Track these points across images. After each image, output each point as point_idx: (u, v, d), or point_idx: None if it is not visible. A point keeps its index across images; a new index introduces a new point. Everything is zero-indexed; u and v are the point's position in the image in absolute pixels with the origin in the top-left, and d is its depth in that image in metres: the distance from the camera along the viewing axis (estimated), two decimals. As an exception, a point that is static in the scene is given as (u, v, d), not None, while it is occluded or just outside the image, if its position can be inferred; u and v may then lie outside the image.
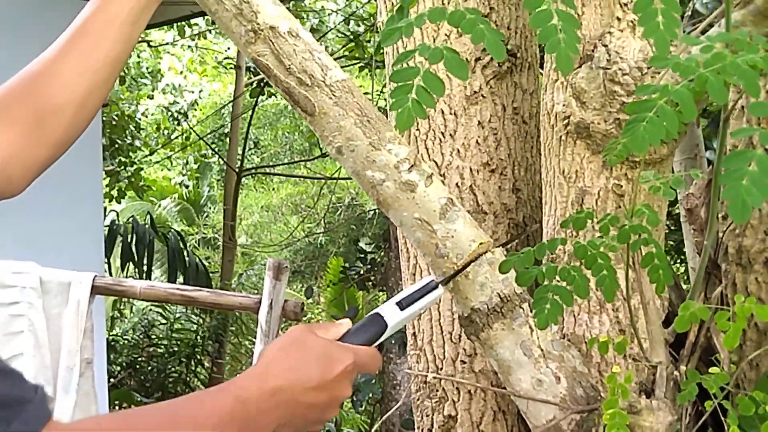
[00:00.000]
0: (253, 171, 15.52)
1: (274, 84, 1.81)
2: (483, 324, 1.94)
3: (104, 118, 12.84)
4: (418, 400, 2.43)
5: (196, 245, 16.21)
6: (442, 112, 2.39)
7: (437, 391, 2.37)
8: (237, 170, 13.45)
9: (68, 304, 3.46)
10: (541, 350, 1.96)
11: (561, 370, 1.96)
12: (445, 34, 2.40)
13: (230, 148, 13.88)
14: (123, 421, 1.33)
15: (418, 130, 2.42)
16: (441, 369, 2.37)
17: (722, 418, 1.87)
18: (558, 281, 1.74)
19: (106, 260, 12.22)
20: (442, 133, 2.39)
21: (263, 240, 15.87)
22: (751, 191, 1.27)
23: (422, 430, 2.41)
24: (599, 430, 1.88)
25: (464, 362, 2.35)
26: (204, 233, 16.48)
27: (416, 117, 1.43)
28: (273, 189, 16.60)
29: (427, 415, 2.39)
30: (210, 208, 16.67)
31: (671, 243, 5.95)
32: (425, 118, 1.66)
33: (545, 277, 1.74)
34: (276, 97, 14.32)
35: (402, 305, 1.56)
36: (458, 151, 2.39)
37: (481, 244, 1.83)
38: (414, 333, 2.44)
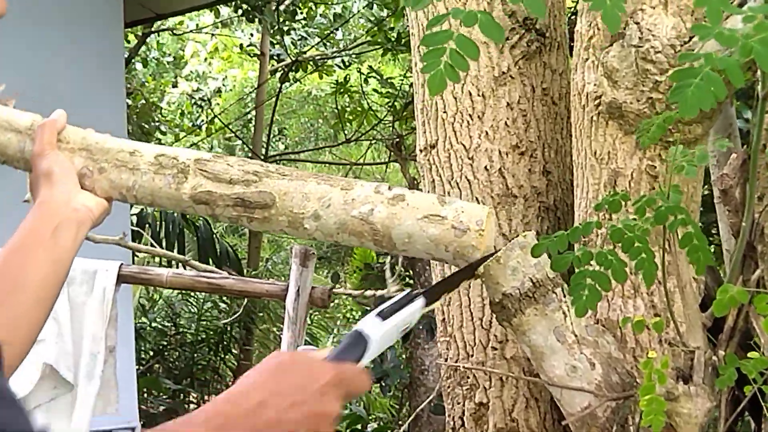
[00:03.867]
0: (278, 158, 15.51)
1: (220, 205, 1.79)
2: (515, 309, 1.91)
3: (130, 104, 12.89)
4: (448, 387, 2.40)
5: (223, 233, 16.27)
6: (470, 94, 2.36)
7: (468, 378, 2.35)
8: (262, 157, 13.45)
9: (93, 293, 3.47)
10: (575, 336, 1.93)
11: (596, 356, 1.93)
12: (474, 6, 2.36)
13: (255, 134, 13.90)
14: None
15: (445, 112, 2.40)
16: (471, 356, 2.34)
17: (762, 403, 1.84)
18: (594, 266, 1.70)
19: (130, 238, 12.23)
20: (470, 116, 2.36)
21: (288, 225, 15.88)
22: None
23: (453, 417, 2.39)
24: (635, 417, 1.85)
25: (495, 349, 2.32)
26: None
27: (449, 81, 1.40)
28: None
29: (458, 403, 2.37)
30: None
31: (701, 225, 5.90)
32: (458, 81, 1.61)
33: (581, 262, 1.70)
34: (300, 83, 14.29)
35: (383, 315, 1.50)
36: (486, 133, 2.36)
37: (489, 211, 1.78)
38: (444, 319, 2.41)
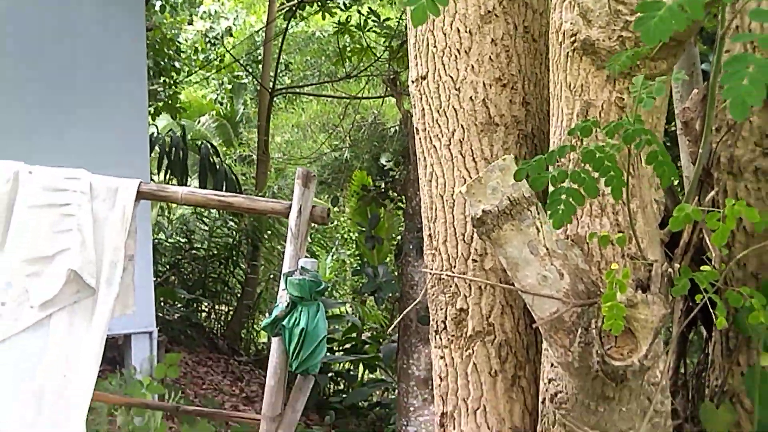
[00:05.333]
0: (284, 91, 15.47)
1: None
2: (494, 225, 1.94)
3: (148, 42, 12.81)
4: (433, 295, 2.43)
5: (234, 162, 16.29)
6: (458, 31, 2.36)
7: (450, 287, 2.37)
8: (270, 90, 13.42)
9: (115, 207, 3.49)
10: (547, 249, 1.95)
11: (564, 267, 1.95)
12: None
13: (263, 70, 13.85)
14: None
15: (435, 47, 2.40)
16: (454, 267, 2.37)
17: (711, 311, 1.87)
18: (568, 184, 1.72)
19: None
20: (458, 50, 2.36)
21: (294, 155, 15.91)
22: (750, 91, 1.28)
23: (437, 321, 2.42)
24: (598, 321, 1.87)
25: (475, 261, 2.35)
26: (241, 152, 16.54)
27: (431, 15, 1.40)
28: (302, 109, 16.58)
29: (441, 309, 2.40)
30: (244, 125, 16.66)
31: (668, 157, 5.93)
32: (438, 15, 1.61)
33: (557, 180, 1.72)
34: (305, 23, 14.23)
35: None
36: (472, 66, 2.36)
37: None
38: (430, 234, 2.43)
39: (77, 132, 8.40)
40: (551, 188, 1.69)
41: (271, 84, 13.50)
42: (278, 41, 13.70)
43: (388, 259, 12.45)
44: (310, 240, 14.30)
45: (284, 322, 3.45)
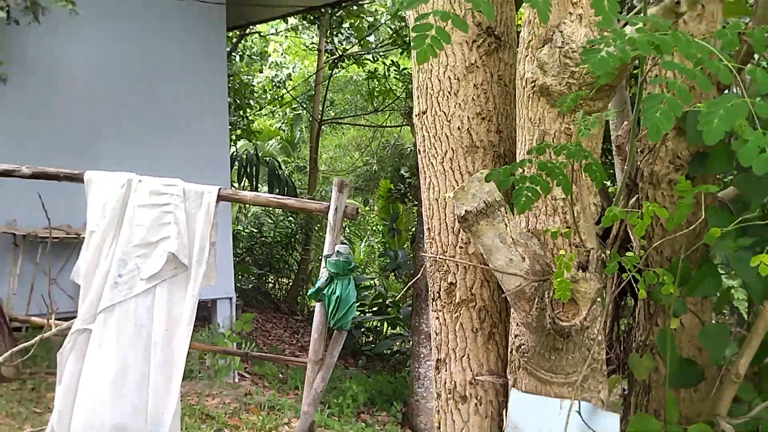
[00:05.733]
0: (329, 121, 15.49)
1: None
2: (473, 221, 1.93)
3: (229, 85, 12.84)
4: (431, 272, 2.42)
5: (292, 171, 16.33)
6: (449, 78, 2.34)
7: (443, 266, 2.36)
8: (318, 120, 13.43)
9: (201, 206, 3.51)
10: (512, 239, 1.94)
11: (525, 252, 1.95)
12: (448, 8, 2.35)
13: (314, 105, 13.87)
14: None
15: (432, 90, 2.38)
16: (446, 252, 2.36)
17: (634, 285, 1.86)
18: (528, 184, 1.73)
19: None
20: (449, 92, 2.35)
21: (336, 167, 15.93)
22: (662, 120, 1.28)
23: (434, 292, 2.41)
24: (550, 293, 1.87)
25: (461, 247, 2.34)
26: (297, 163, 16.56)
27: (430, 57, 1.41)
28: (342, 133, 16.59)
29: (437, 283, 2.39)
30: (300, 146, 16.70)
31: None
32: (436, 57, 1.62)
33: (519, 182, 1.72)
34: (345, 71, 14.29)
35: None
36: (459, 104, 2.34)
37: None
38: (428, 228, 2.42)
39: (177, 151, 8.46)
40: (516, 187, 1.70)
41: (319, 115, 13.53)
42: (325, 84, 13.73)
43: (405, 245, 12.46)
44: (347, 231, 14.30)
45: (324, 291, 3.47)
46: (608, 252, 1.87)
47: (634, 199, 2.29)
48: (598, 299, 1.87)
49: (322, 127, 14.09)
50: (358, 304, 12.24)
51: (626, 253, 1.91)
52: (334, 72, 13.67)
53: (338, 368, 10.35)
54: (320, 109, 13.69)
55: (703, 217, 1.92)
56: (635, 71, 3.57)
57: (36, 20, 6.20)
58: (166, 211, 3.46)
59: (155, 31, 8.49)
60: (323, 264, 3.49)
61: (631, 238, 2.09)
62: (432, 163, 2.35)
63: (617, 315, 2.57)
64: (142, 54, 8.48)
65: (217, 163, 8.91)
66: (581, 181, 1.94)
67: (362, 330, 11.47)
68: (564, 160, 1.78)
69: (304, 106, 15.29)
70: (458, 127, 2.33)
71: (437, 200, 2.36)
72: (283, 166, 14.30)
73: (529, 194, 1.67)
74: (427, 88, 2.37)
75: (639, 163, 2.35)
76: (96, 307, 3.33)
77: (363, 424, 8.23)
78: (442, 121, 2.34)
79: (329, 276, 3.45)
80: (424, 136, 2.39)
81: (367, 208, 15.08)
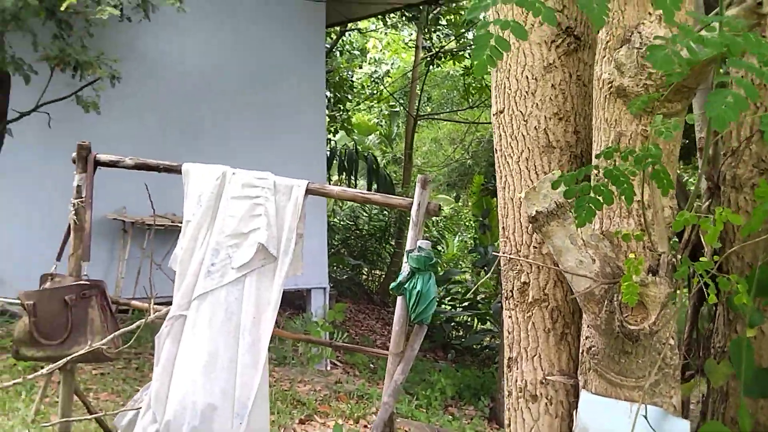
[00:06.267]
0: (425, 116, 15.52)
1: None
2: (544, 221, 1.93)
3: (329, 80, 13.03)
4: (505, 271, 2.42)
5: (389, 162, 16.44)
6: (527, 78, 2.33)
7: (517, 266, 2.35)
8: (414, 116, 13.48)
9: (290, 200, 3.56)
10: (583, 241, 1.92)
11: (596, 254, 1.92)
12: (523, 20, 2.32)
13: (410, 101, 13.90)
14: None
15: (510, 89, 2.37)
16: (519, 251, 2.35)
17: (705, 290, 1.81)
18: (593, 195, 1.70)
19: (328, 173, 12.57)
20: (526, 92, 2.33)
21: (431, 161, 15.94)
22: (728, 112, 1.26)
23: (507, 290, 2.40)
24: (619, 296, 1.84)
25: (535, 247, 2.32)
26: (394, 155, 16.67)
27: (490, 67, 1.41)
28: (438, 128, 16.58)
29: (510, 282, 2.38)
30: (397, 140, 16.78)
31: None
32: (495, 67, 1.62)
33: (582, 192, 1.70)
34: (441, 67, 14.26)
35: None
36: (537, 104, 2.33)
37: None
38: (503, 227, 2.42)
39: (276, 144, 8.66)
40: (578, 198, 1.67)
41: (415, 111, 13.56)
42: (422, 79, 13.75)
43: (496, 242, 12.37)
44: (440, 225, 14.27)
45: (406, 286, 3.49)
46: (679, 256, 1.82)
47: (706, 202, 2.22)
48: (669, 303, 1.83)
49: (418, 121, 14.12)
50: (449, 298, 12.26)
51: (700, 259, 1.86)
52: (431, 68, 13.66)
53: (428, 361, 10.38)
54: (416, 104, 13.71)
55: (783, 222, 1.85)
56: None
57: (147, 17, 6.44)
58: (257, 203, 3.54)
59: (257, 28, 8.70)
60: (405, 259, 3.51)
61: (703, 242, 2.04)
62: (508, 162, 2.35)
63: (696, 320, 2.50)
64: (245, 50, 8.71)
65: (314, 156, 9.08)
66: (654, 187, 1.90)
67: (452, 324, 11.45)
68: (631, 167, 1.74)
69: (401, 102, 15.36)
70: (535, 127, 2.31)
71: (512, 199, 2.35)
72: (380, 160, 14.47)
73: (591, 206, 1.64)
74: (504, 88, 2.36)
75: (722, 166, 2.28)
76: (191, 294, 3.45)
77: (450, 416, 8.23)
78: (519, 120, 2.33)
79: (411, 271, 3.47)
80: (500, 135, 2.38)
81: (459, 203, 15.04)
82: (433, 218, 14.15)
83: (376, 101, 15.75)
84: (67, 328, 3.64)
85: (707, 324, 2.53)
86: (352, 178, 13.57)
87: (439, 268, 12.74)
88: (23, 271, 3.90)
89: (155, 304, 3.82)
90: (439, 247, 13.51)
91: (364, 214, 13.56)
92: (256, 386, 3.31)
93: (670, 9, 1.36)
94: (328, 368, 8.60)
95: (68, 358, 3.54)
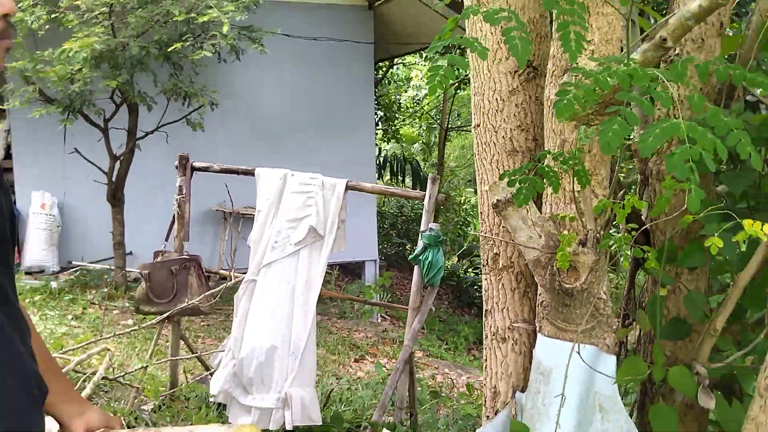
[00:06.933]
0: (454, 129, 15.43)
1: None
2: (502, 207, 1.95)
3: (381, 102, 13.04)
4: (482, 245, 2.44)
5: (430, 166, 16.42)
6: (497, 99, 2.34)
7: (490, 241, 2.38)
8: (446, 129, 13.42)
9: (334, 193, 3.62)
10: (532, 221, 1.94)
11: (542, 231, 1.94)
12: (492, 52, 2.32)
13: (443, 117, 13.84)
14: None
15: (484, 107, 2.37)
16: (492, 230, 2.37)
17: (622, 261, 1.81)
18: (527, 185, 1.72)
19: (381, 176, 12.61)
20: (496, 110, 2.34)
21: (459, 163, 15.84)
22: (613, 138, 1.26)
23: (484, 260, 2.43)
24: (555, 262, 1.86)
25: (503, 227, 2.34)
26: (432, 161, 16.64)
27: (438, 90, 1.43)
28: (464, 138, 16.45)
29: (485, 253, 2.41)
30: (434, 148, 16.74)
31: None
32: (444, 90, 1.65)
33: (520, 182, 1.72)
34: (466, 90, 14.14)
35: None
36: (504, 119, 2.34)
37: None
38: (481, 212, 2.44)
39: (336, 154, 8.76)
40: (518, 187, 1.70)
41: (447, 125, 13.51)
42: (451, 100, 13.69)
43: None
44: (467, 212, 14.13)
45: (420, 257, 3.54)
46: (602, 233, 1.83)
47: (621, 192, 2.21)
48: (596, 268, 1.84)
49: (449, 133, 14.06)
50: (472, 267, 12.21)
51: (628, 234, 1.87)
52: (457, 92, 13.58)
53: (456, 315, 10.38)
54: (447, 119, 13.65)
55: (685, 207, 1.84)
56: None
57: (238, 59, 6.58)
58: (309, 196, 3.63)
59: (321, 65, 8.81)
60: (420, 237, 3.56)
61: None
62: (483, 163, 2.37)
63: (633, 281, 2.49)
64: (312, 82, 8.83)
65: (365, 163, 9.15)
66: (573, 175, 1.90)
67: (475, 287, 11.41)
68: (558, 166, 1.75)
69: (436, 118, 15.31)
70: (503, 136, 2.33)
71: (486, 191, 2.37)
72: (421, 165, 14.43)
73: (527, 192, 1.67)
74: (480, 107, 2.38)
75: (650, 163, 2.26)
76: (260, 264, 3.57)
77: (471, 357, 8.24)
78: (491, 131, 2.34)
79: (424, 246, 3.52)
80: (478, 142, 2.40)
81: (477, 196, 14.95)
82: (463, 206, 14.09)
83: (417, 117, 15.72)
84: (173, 290, 3.80)
85: (642, 284, 2.53)
86: (400, 179, 13.60)
87: (465, 244, 12.68)
88: (148, 249, 4.08)
89: (239, 273, 3.96)
90: (468, 228, 13.45)
91: (408, 204, 13.59)
92: (307, 333, 3.41)
93: (574, 52, 1.38)
94: (378, 320, 8.70)
95: (173, 311, 3.70)
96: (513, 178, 1.71)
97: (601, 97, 1.91)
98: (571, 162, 1.65)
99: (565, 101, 1.37)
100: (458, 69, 1.47)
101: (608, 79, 1.43)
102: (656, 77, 1.44)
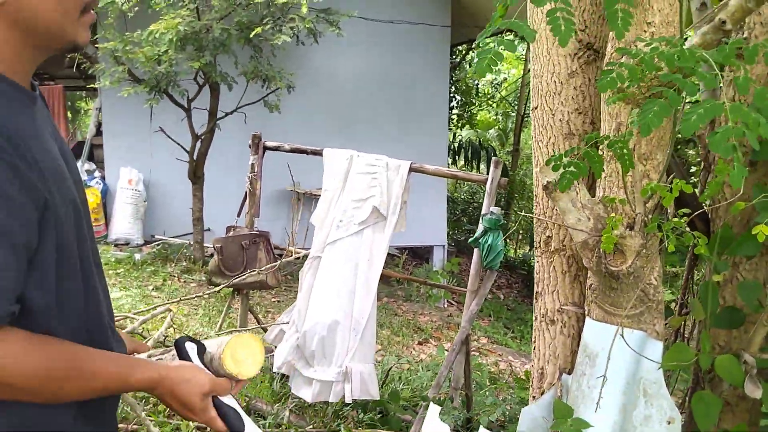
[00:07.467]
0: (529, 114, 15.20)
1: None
2: (552, 189, 1.98)
3: (459, 87, 12.98)
4: (536, 228, 2.47)
5: (505, 153, 16.23)
6: (555, 82, 2.35)
7: (543, 223, 2.41)
8: (522, 115, 13.22)
9: (398, 175, 3.68)
10: (581, 204, 1.97)
11: (591, 214, 1.96)
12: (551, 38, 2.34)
13: (519, 102, 13.64)
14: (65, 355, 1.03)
15: (542, 90, 2.38)
16: (545, 213, 2.40)
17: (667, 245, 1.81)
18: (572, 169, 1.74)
19: (455, 161, 12.58)
20: (554, 93, 2.36)
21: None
22: (653, 120, 1.30)
23: (537, 242, 2.45)
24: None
25: (555, 210, 2.37)
26: (508, 149, 16.44)
27: (488, 72, 1.48)
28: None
29: (538, 235, 2.43)
30: (510, 134, 16.51)
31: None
32: (492, 72, 1.69)
33: (564, 166, 1.75)
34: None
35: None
36: (562, 102, 2.34)
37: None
38: (536, 195, 2.46)
39: (411, 136, 8.84)
40: (562, 171, 1.73)
41: (523, 111, 13.30)
42: (528, 86, 13.49)
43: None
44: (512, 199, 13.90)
45: (480, 240, 3.58)
46: (650, 216, 1.84)
47: (706, 176, 2.17)
48: (643, 252, 1.85)
49: (524, 119, 13.83)
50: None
51: (671, 219, 1.86)
52: (537, 76, 13.39)
53: (524, 305, 10.29)
54: (524, 106, 13.44)
55: (742, 192, 1.81)
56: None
57: (315, 41, 6.74)
58: (374, 177, 3.70)
59: (397, 49, 8.88)
60: (480, 220, 3.59)
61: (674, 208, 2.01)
62: (539, 146, 2.40)
63: (692, 270, 2.45)
64: (387, 65, 8.92)
65: (438, 147, 9.19)
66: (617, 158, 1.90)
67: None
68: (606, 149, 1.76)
69: (513, 104, 15.09)
70: (560, 119, 2.34)
71: (539, 174, 2.39)
72: (497, 151, 14.29)
73: (570, 176, 1.70)
74: (538, 90, 2.40)
75: (705, 150, 2.22)
76: (324, 242, 3.69)
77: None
78: (548, 114, 2.36)
79: (484, 229, 3.55)
80: (535, 125, 2.42)
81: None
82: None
83: (495, 103, 15.54)
84: (243, 264, 4.01)
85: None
86: (475, 164, 13.52)
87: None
88: (224, 225, 4.32)
89: (305, 249, 4.12)
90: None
91: (481, 190, 13.52)
92: (369, 310, 3.51)
93: (620, 29, 1.40)
94: (445, 305, 8.77)
95: (240, 282, 3.91)
96: (557, 163, 1.74)
97: (652, 79, 1.91)
98: (618, 146, 1.66)
99: (608, 79, 1.40)
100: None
101: (655, 59, 1.44)
102: (705, 59, 1.44)
